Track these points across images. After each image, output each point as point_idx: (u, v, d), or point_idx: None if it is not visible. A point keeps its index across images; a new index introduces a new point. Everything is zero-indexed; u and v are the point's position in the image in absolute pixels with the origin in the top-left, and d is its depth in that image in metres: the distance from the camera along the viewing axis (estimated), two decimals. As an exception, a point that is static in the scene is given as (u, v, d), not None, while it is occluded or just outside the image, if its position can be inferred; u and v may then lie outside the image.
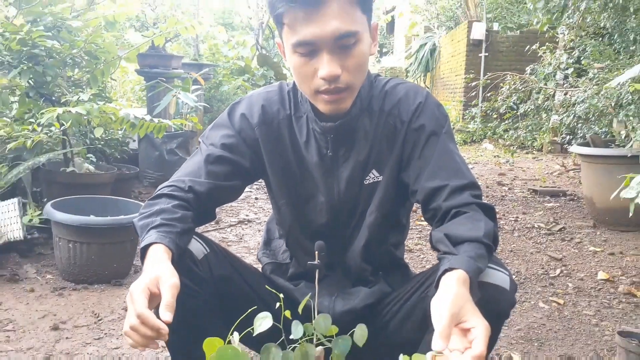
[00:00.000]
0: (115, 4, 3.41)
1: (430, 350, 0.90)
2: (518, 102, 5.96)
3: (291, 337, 1.06)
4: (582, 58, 5.43)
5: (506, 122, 6.52)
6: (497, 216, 1.24)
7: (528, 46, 6.44)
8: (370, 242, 1.35)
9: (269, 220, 1.60)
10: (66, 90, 3.09)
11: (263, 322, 1.00)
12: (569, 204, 4.43)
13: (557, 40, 6.73)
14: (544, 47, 6.11)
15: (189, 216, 1.22)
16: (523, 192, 4.96)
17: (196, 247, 1.24)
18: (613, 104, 3.98)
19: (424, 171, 1.25)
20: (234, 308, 1.21)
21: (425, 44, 12.19)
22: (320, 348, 1.08)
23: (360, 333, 1.08)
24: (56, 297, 2.40)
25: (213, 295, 1.25)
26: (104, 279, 2.56)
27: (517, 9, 10.04)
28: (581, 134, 5.20)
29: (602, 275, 2.80)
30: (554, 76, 6.33)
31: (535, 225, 3.78)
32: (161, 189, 1.28)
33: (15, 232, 2.67)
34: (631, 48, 4.71)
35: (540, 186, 5.08)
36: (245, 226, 3.75)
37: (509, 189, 5.12)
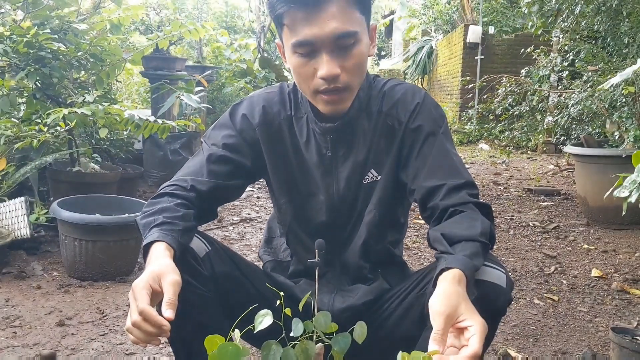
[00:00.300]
0: (121, 7, 3.46)
1: (428, 348, 0.90)
2: (513, 103, 6.02)
3: (291, 334, 1.05)
4: (576, 61, 5.49)
5: (502, 123, 6.59)
6: (493, 215, 1.25)
7: (523, 49, 6.50)
8: (369, 240, 1.35)
9: (270, 218, 1.60)
10: (72, 91, 3.13)
11: (264, 319, 0.99)
12: (563, 203, 4.47)
13: (551, 43, 6.79)
14: (539, 50, 6.18)
15: (191, 214, 1.22)
16: (518, 191, 5.00)
17: (198, 245, 1.24)
18: (606, 106, 4.04)
19: (421, 170, 1.26)
20: (236, 305, 1.21)
21: (423, 47, 12.26)
22: (320, 345, 1.07)
23: (360, 330, 1.07)
24: (62, 294, 2.44)
25: (215, 292, 1.24)
26: (108, 276, 2.60)
27: (512, 13, 10.10)
28: (575, 135, 5.25)
29: (595, 272, 2.84)
30: (548, 78, 6.40)
31: (530, 224, 3.83)
32: (163, 188, 1.28)
33: (22, 230, 2.70)
34: (624, 51, 4.76)
35: (535, 185, 5.12)
36: (247, 224, 3.79)
37: (504, 188, 5.16)
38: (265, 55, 6.97)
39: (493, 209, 1.25)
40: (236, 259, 1.38)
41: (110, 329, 2.12)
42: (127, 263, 2.66)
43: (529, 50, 6.25)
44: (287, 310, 1.04)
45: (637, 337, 1.74)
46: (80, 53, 3.08)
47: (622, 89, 3.50)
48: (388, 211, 1.36)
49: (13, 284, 2.52)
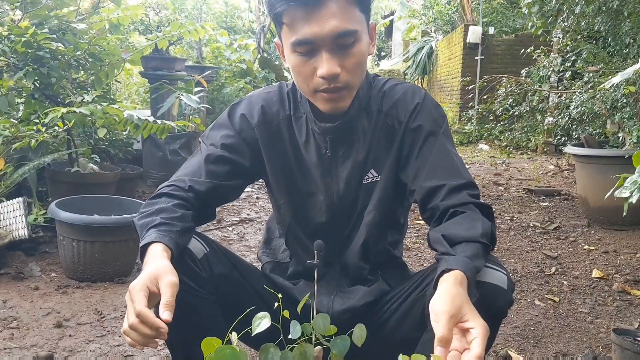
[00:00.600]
0: (120, 7, 3.45)
1: (429, 350, 0.90)
2: (514, 104, 6.02)
3: (290, 336, 1.04)
4: (577, 61, 5.49)
5: (502, 123, 6.59)
6: (494, 215, 1.24)
7: (523, 50, 6.50)
8: (369, 241, 1.34)
9: (269, 219, 1.59)
10: (71, 91, 3.12)
11: (262, 322, 0.99)
12: (563, 204, 4.46)
13: (551, 44, 6.79)
14: (539, 51, 6.17)
15: (189, 215, 1.21)
16: (518, 191, 5.00)
17: (196, 246, 1.23)
18: (607, 106, 4.03)
19: (421, 171, 1.25)
20: (234, 307, 1.20)
21: (423, 47, 12.27)
22: (318, 348, 1.07)
23: (359, 333, 1.07)
24: (60, 295, 2.42)
25: (213, 293, 1.23)
26: (107, 277, 2.59)
27: (512, 14, 10.11)
28: (575, 135, 5.25)
29: (596, 273, 2.83)
30: (549, 79, 6.40)
31: (531, 224, 3.82)
32: (161, 188, 1.27)
33: (21, 230, 2.70)
34: (625, 51, 4.76)
35: (536, 186, 5.11)
36: (247, 225, 3.78)
37: (504, 188, 5.16)
38: (265, 55, 6.97)
39: (493, 209, 1.23)
40: (235, 260, 1.36)
41: (109, 331, 2.11)
42: (125, 264, 2.65)
43: (529, 50, 6.24)
44: (286, 313, 1.03)
45: (639, 339, 1.74)
46: (79, 53, 3.07)
47: (623, 89, 3.49)
48: (388, 212, 1.35)
49: (11, 285, 2.51)
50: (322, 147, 1.32)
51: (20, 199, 2.73)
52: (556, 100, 5.97)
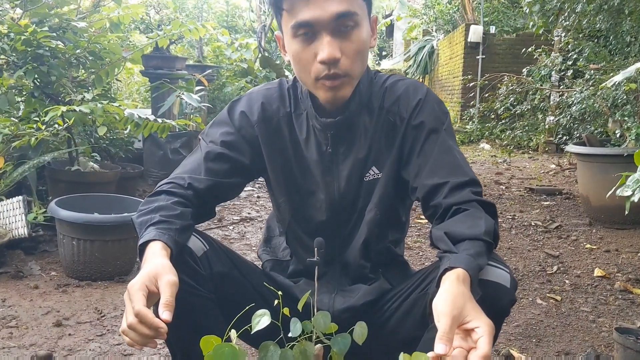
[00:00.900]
0: (120, 6, 3.44)
1: (431, 349, 0.88)
2: (515, 103, 6.02)
3: (290, 334, 1.03)
4: (578, 60, 5.48)
5: (503, 122, 6.59)
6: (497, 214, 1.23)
7: (524, 49, 6.49)
8: (370, 239, 1.33)
9: (269, 217, 1.58)
10: (71, 90, 3.11)
11: (261, 319, 0.98)
12: (565, 203, 4.46)
13: (552, 43, 6.79)
14: (540, 50, 6.17)
15: (188, 213, 1.20)
16: (520, 190, 4.99)
17: (195, 244, 1.22)
18: (609, 105, 4.03)
19: (423, 168, 1.23)
20: (234, 305, 1.18)
21: (424, 46, 12.28)
22: (319, 346, 1.06)
23: (360, 331, 1.06)
24: (60, 294, 2.42)
25: (213, 292, 1.23)
26: (107, 275, 2.58)
27: (513, 13, 10.11)
28: (577, 134, 5.25)
29: (598, 272, 2.82)
30: (550, 78, 6.40)
31: (532, 223, 3.81)
32: (160, 186, 1.26)
33: (20, 229, 2.69)
34: (626, 50, 4.75)
35: (537, 185, 5.11)
36: (247, 224, 3.78)
37: (506, 187, 5.15)
38: (266, 54, 6.96)
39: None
40: (235, 259, 1.35)
41: (108, 330, 2.10)
42: (125, 263, 2.64)
43: (530, 50, 6.24)
44: (286, 310, 1.02)
45: (642, 338, 1.73)
46: (79, 51, 3.07)
47: (624, 86, 3.49)
48: (389, 209, 1.34)
49: (10, 283, 2.51)
50: (322, 143, 1.31)
51: (20, 197, 2.72)
52: (557, 99, 5.97)
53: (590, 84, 4.42)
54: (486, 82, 6.07)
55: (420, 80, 12.51)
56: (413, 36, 13.96)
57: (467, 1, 9.85)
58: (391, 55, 18.61)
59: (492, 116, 6.58)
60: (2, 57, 2.98)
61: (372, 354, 1.26)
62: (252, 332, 0.97)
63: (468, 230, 1.09)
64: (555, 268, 2.91)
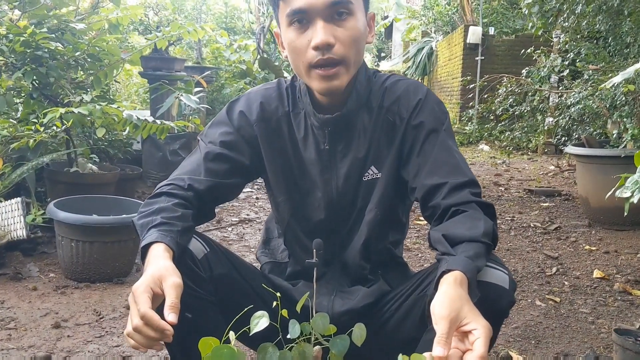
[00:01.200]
0: (119, 7, 3.44)
1: (430, 350, 0.89)
2: (514, 104, 6.03)
3: (288, 336, 1.03)
4: (577, 60, 5.49)
5: (502, 123, 6.60)
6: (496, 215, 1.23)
7: (523, 50, 6.50)
8: (370, 239, 1.33)
9: (268, 219, 1.59)
10: (70, 91, 3.11)
11: (260, 321, 0.98)
12: (564, 204, 4.46)
13: (551, 44, 6.80)
14: (539, 51, 6.18)
15: (189, 214, 1.20)
16: (519, 192, 4.99)
17: (196, 246, 1.22)
18: (607, 106, 4.03)
19: (423, 168, 1.23)
20: (234, 307, 1.17)
21: (423, 48, 12.29)
22: (317, 347, 1.06)
23: (359, 332, 1.06)
24: (58, 296, 2.41)
25: (213, 294, 1.23)
26: (106, 277, 2.57)
27: (512, 14, 10.12)
28: (576, 135, 5.25)
29: (597, 273, 2.82)
30: (549, 79, 6.41)
31: (531, 225, 3.81)
32: (161, 187, 1.26)
33: (19, 231, 2.68)
34: (625, 51, 4.76)
35: (536, 186, 5.11)
36: (246, 225, 3.77)
37: (505, 189, 5.15)
38: (265, 56, 6.96)
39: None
40: (234, 261, 1.35)
41: (107, 331, 2.10)
42: (124, 264, 2.64)
43: (529, 51, 6.24)
44: (284, 312, 1.02)
45: (641, 339, 1.73)
46: (78, 53, 3.07)
47: (623, 87, 3.49)
48: (389, 210, 1.34)
49: (8, 285, 2.50)
50: (320, 141, 1.31)
51: (19, 199, 2.72)
52: (556, 101, 5.98)
53: (589, 85, 4.42)
54: (485, 83, 6.08)
55: (420, 81, 12.52)
56: (412, 37, 13.98)
57: (466, 2, 9.87)
58: (390, 57, 18.63)
59: (491, 117, 6.59)
60: (1, 58, 2.97)
61: (371, 355, 1.26)
62: (250, 334, 0.97)
63: (466, 232, 1.09)
64: (554, 269, 2.91)
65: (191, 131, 4.54)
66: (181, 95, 3.55)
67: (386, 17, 17.41)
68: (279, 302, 1.01)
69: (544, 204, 4.45)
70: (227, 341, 0.94)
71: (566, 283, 2.72)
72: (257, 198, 4.63)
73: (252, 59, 6.94)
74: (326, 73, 1.19)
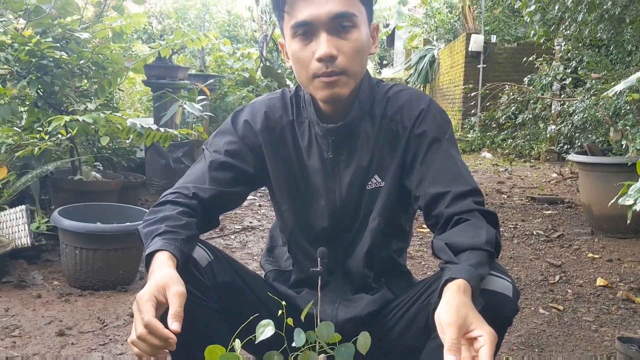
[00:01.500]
0: (123, 16, 3.46)
1: (434, 358, 0.90)
2: (516, 112, 6.03)
3: (293, 344, 1.04)
4: (579, 68, 5.50)
5: (504, 131, 6.60)
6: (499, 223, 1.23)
7: (525, 58, 6.51)
8: (373, 248, 1.34)
9: (272, 227, 1.59)
10: (74, 100, 3.13)
11: (265, 329, 0.99)
12: (566, 212, 4.45)
13: (553, 52, 6.81)
14: (541, 59, 6.19)
15: (194, 223, 1.21)
16: (522, 199, 4.99)
17: (200, 254, 1.22)
18: (610, 113, 4.04)
19: (426, 177, 1.24)
20: (238, 315, 1.20)
21: (425, 55, 12.33)
22: (322, 356, 1.07)
23: (364, 341, 1.07)
24: (62, 303, 2.41)
25: (217, 302, 1.23)
26: (109, 285, 2.58)
27: (514, 22, 10.16)
28: (578, 143, 5.25)
29: (600, 281, 2.82)
30: (551, 87, 6.41)
31: (534, 232, 3.81)
32: (165, 195, 1.27)
33: (23, 239, 2.69)
34: (627, 59, 4.77)
35: (539, 194, 5.11)
36: (249, 233, 3.78)
37: (507, 196, 5.15)
38: (268, 64, 6.99)
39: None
40: (238, 269, 1.36)
41: (111, 339, 2.10)
42: (128, 272, 2.64)
43: (531, 59, 6.25)
44: (289, 320, 1.03)
45: (644, 347, 1.73)
46: (82, 61, 3.08)
47: (626, 96, 3.50)
48: (392, 218, 1.34)
49: (13, 293, 2.51)
50: (324, 150, 1.32)
51: (23, 207, 2.73)
52: (559, 108, 5.99)
53: (591, 93, 4.43)
54: (487, 91, 6.09)
55: (421, 89, 12.55)
56: (414, 45, 14.03)
57: (468, 10, 9.90)
58: (392, 64, 18.67)
59: (494, 125, 6.60)
60: (6, 67, 2.99)
61: (375, 363, 1.26)
62: (256, 342, 0.98)
63: (469, 241, 1.09)
64: (557, 277, 2.91)
65: (194, 139, 4.55)
66: (184, 103, 3.56)
67: (388, 25, 17.47)
68: (284, 311, 1.01)
69: (547, 212, 4.45)
70: (233, 349, 0.94)
71: (569, 291, 2.72)
72: (260, 205, 4.64)
73: (255, 67, 6.97)
74: (329, 80, 1.20)
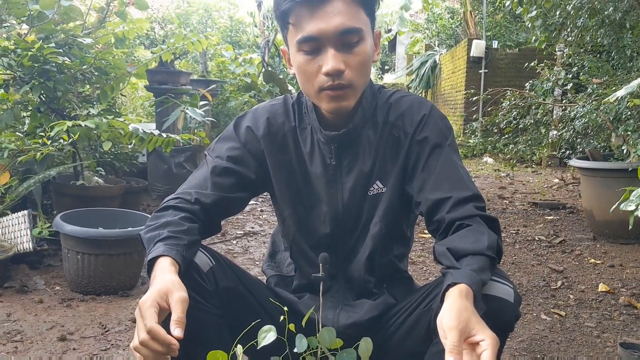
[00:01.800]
0: (125, 21, 3.47)
1: None
2: (518, 117, 6.04)
3: (295, 350, 1.04)
4: (580, 74, 5.50)
5: (506, 136, 6.61)
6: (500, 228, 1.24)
7: (526, 63, 6.52)
8: (374, 253, 1.34)
9: (274, 232, 1.60)
10: (76, 105, 3.14)
11: (267, 335, 0.99)
12: (568, 217, 4.45)
13: (554, 57, 6.82)
14: (542, 64, 6.20)
15: (196, 228, 1.22)
16: (523, 205, 4.98)
17: (202, 260, 1.23)
18: (611, 119, 4.04)
19: (427, 183, 1.25)
20: (240, 320, 1.21)
21: (426, 61, 12.36)
22: (324, 362, 1.07)
23: (365, 346, 1.07)
24: (64, 308, 2.41)
25: (218, 307, 1.23)
26: (111, 290, 2.58)
27: (515, 27, 10.18)
28: (580, 149, 5.25)
29: (602, 287, 2.81)
30: (552, 92, 6.42)
31: (536, 238, 3.80)
32: (167, 201, 1.27)
33: (25, 244, 2.69)
34: (629, 64, 4.77)
35: (540, 199, 5.10)
36: (251, 238, 3.77)
37: (509, 202, 5.14)
38: (270, 69, 7.01)
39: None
40: (240, 274, 1.36)
41: (113, 344, 2.09)
42: (130, 277, 2.64)
43: (532, 64, 6.26)
44: (291, 326, 1.03)
45: (647, 353, 1.73)
46: (84, 67, 3.09)
47: (628, 101, 3.50)
48: (394, 224, 1.35)
49: (15, 298, 2.51)
50: (326, 156, 1.33)
51: (25, 212, 2.73)
52: (560, 114, 5.99)
53: (592, 98, 4.43)
54: (489, 96, 6.10)
55: (423, 94, 12.57)
56: (415, 50, 14.04)
57: (470, 16, 9.92)
58: (394, 70, 18.71)
59: (495, 130, 6.61)
60: (9, 72, 3.00)
61: (377, 369, 1.26)
62: (258, 348, 0.98)
63: (471, 246, 1.10)
64: (559, 283, 2.90)
65: (196, 144, 4.56)
66: (186, 108, 3.57)
67: (390, 31, 17.51)
68: (286, 316, 1.01)
69: (549, 217, 4.44)
70: (234, 355, 0.94)
71: (571, 297, 2.71)
72: (261, 210, 4.64)
73: (257, 72, 6.99)
74: (335, 94, 1.21)
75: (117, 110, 4.06)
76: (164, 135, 3.10)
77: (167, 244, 1.13)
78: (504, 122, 5.94)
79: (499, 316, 1.08)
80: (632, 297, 2.68)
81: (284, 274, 1.47)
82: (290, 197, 1.37)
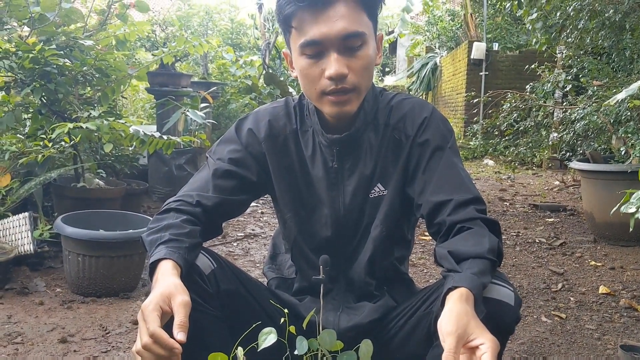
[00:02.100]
0: (126, 24, 3.48)
1: None
2: (518, 119, 6.04)
3: (296, 352, 1.04)
4: (580, 76, 5.51)
5: (506, 139, 6.61)
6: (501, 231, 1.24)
7: (527, 65, 6.52)
8: (375, 256, 1.34)
9: (275, 234, 1.60)
10: (77, 107, 3.14)
11: (267, 337, 0.99)
12: (569, 219, 4.45)
13: (555, 59, 6.82)
14: (543, 67, 6.20)
15: (197, 231, 1.22)
16: (524, 207, 4.98)
17: (203, 262, 1.23)
18: (612, 121, 4.04)
19: (428, 185, 1.25)
20: (241, 322, 1.21)
21: (427, 63, 12.37)
22: (325, 364, 1.07)
23: (366, 349, 1.07)
24: (65, 310, 2.41)
25: (219, 310, 1.24)
26: (112, 292, 2.58)
27: (516, 30, 10.19)
28: (580, 151, 5.25)
29: (603, 289, 2.81)
30: (553, 94, 6.42)
31: (537, 240, 3.80)
32: (169, 203, 1.27)
33: (26, 246, 2.69)
34: (629, 67, 4.77)
35: (541, 201, 5.10)
36: (252, 240, 3.78)
37: (510, 204, 5.14)
38: (270, 71, 7.01)
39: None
40: (241, 276, 1.36)
41: (113, 346, 2.09)
42: (130, 279, 2.64)
43: (533, 66, 6.27)
44: (292, 328, 1.03)
45: (648, 356, 1.72)
46: (85, 69, 3.09)
47: (628, 103, 3.50)
48: (394, 226, 1.35)
49: (16, 300, 2.51)
50: (328, 159, 1.33)
51: (26, 214, 2.73)
52: (561, 116, 5.99)
53: (593, 100, 4.43)
54: (489, 98, 6.10)
55: (424, 96, 12.58)
56: (416, 53, 14.08)
57: (470, 18, 9.93)
58: (394, 72, 18.73)
59: (496, 132, 6.60)
60: (10, 75, 3.01)
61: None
62: (258, 350, 0.98)
63: (472, 249, 1.10)
64: (559, 285, 2.90)
65: (197, 146, 4.56)
66: (187, 110, 3.57)
67: (391, 33, 17.53)
68: (287, 319, 1.01)
69: (549, 220, 4.44)
70: (235, 357, 0.94)
71: (572, 299, 2.71)
72: (262, 213, 4.64)
73: (258, 74, 6.99)
74: (338, 99, 1.21)
75: (118, 112, 4.06)
76: (165, 137, 3.10)
77: (169, 247, 1.13)
78: (505, 125, 5.94)
79: (499, 319, 1.08)
80: (633, 300, 2.68)
81: (284, 276, 1.48)
82: (291, 199, 1.37)
